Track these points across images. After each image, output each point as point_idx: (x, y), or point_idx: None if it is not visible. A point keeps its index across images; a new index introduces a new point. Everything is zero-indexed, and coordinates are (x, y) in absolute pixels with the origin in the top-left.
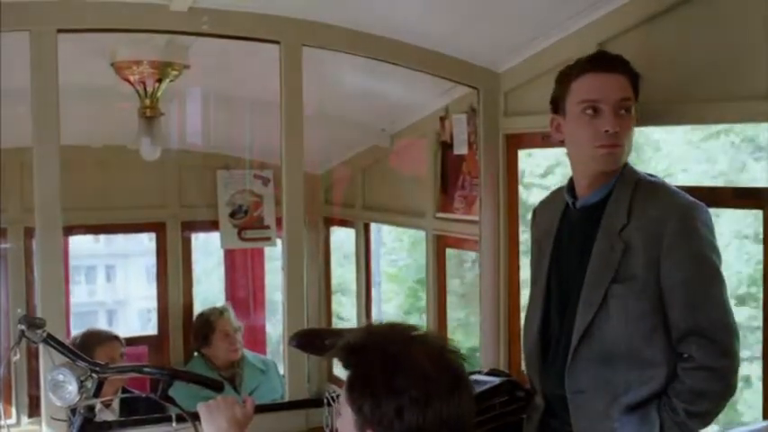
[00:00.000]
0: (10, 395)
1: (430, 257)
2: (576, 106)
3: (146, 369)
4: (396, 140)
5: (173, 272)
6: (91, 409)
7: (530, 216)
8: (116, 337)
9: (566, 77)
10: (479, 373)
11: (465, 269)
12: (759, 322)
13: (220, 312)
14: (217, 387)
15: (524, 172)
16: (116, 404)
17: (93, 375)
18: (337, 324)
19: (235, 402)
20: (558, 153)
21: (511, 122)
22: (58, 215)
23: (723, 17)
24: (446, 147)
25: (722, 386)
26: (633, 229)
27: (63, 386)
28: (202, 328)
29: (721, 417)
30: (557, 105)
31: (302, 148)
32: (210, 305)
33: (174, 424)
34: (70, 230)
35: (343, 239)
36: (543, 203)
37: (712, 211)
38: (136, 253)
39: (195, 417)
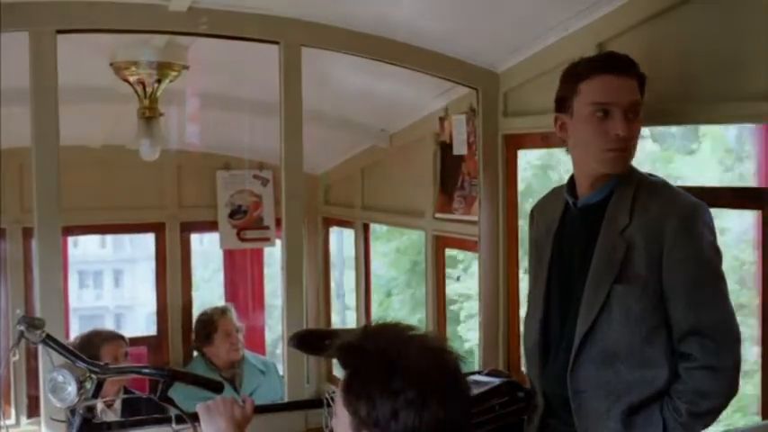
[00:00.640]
0: (9, 396)
1: (429, 258)
2: (585, 107)
3: (145, 370)
4: (395, 141)
5: (172, 272)
6: (90, 409)
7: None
8: (120, 336)
9: (574, 76)
10: (479, 373)
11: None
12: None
13: (223, 312)
14: (216, 388)
15: None
16: (118, 404)
17: (93, 376)
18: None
19: (234, 403)
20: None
21: (510, 123)
22: (57, 215)
23: (722, 17)
24: (445, 147)
25: (724, 386)
26: (635, 228)
27: (62, 387)
28: (205, 327)
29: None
30: (562, 104)
31: (301, 148)
32: (209, 305)
33: (173, 425)
34: (69, 231)
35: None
36: (541, 203)
37: (712, 211)
38: (143, 258)
39: (195, 417)
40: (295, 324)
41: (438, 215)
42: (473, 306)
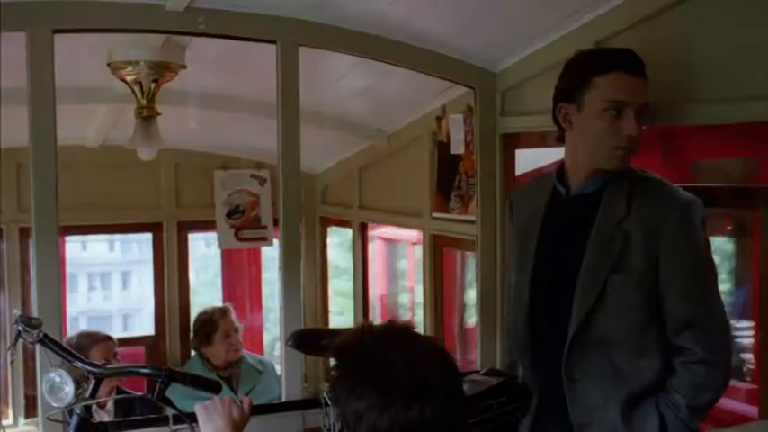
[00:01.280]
0: (7, 396)
1: (427, 257)
2: (598, 102)
3: (143, 370)
4: (392, 140)
5: (169, 272)
6: (87, 409)
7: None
8: (109, 338)
9: (587, 68)
10: (477, 373)
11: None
12: None
13: (223, 312)
14: (214, 388)
15: None
16: (111, 405)
17: (90, 376)
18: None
19: (232, 403)
20: None
21: (508, 122)
22: (55, 215)
23: (721, 17)
24: (443, 147)
25: (721, 378)
26: (633, 220)
27: (59, 387)
28: (204, 327)
29: None
30: (569, 94)
31: (299, 147)
32: (207, 305)
33: (171, 425)
34: (66, 231)
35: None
36: (523, 191)
37: (711, 210)
38: (150, 260)
39: (192, 418)
40: (293, 324)
41: (435, 215)
42: None
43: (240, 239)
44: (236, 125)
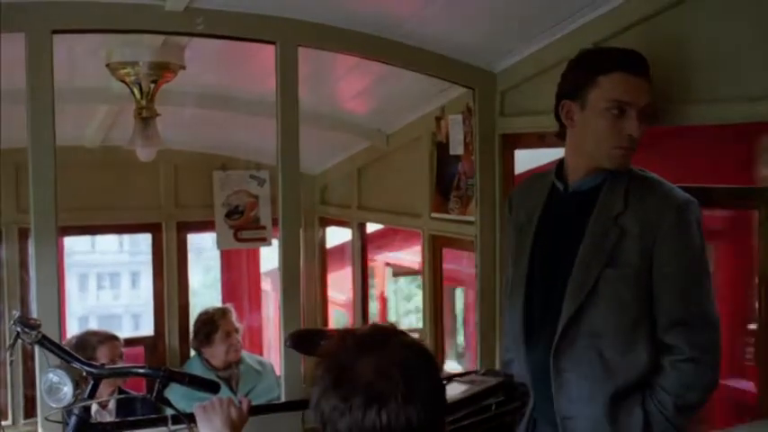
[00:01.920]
0: (6, 396)
1: (426, 258)
2: (602, 102)
3: (141, 370)
4: (392, 141)
5: (168, 272)
6: (86, 410)
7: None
8: (116, 337)
9: (593, 67)
10: (476, 373)
11: None
12: None
13: (223, 312)
14: (213, 388)
15: None
16: (112, 405)
17: (88, 377)
18: None
19: (230, 403)
20: None
21: (507, 122)
22: (54, 216)
23: (720, 17)
24: (442, 147)
25: (709, 378)
26: (630, 216)
27: (57, 387)
28: (204, 327)
29: None
30: (573, 91)
31: (298, 148)
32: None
33: (170, 425)
34: (66, 231)
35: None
36: (522, 188)
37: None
38: None
39: (191, 418)
40: (292, 324)
41: (434, 215)
42: None
43: (239, 240)
44: (235, 126)
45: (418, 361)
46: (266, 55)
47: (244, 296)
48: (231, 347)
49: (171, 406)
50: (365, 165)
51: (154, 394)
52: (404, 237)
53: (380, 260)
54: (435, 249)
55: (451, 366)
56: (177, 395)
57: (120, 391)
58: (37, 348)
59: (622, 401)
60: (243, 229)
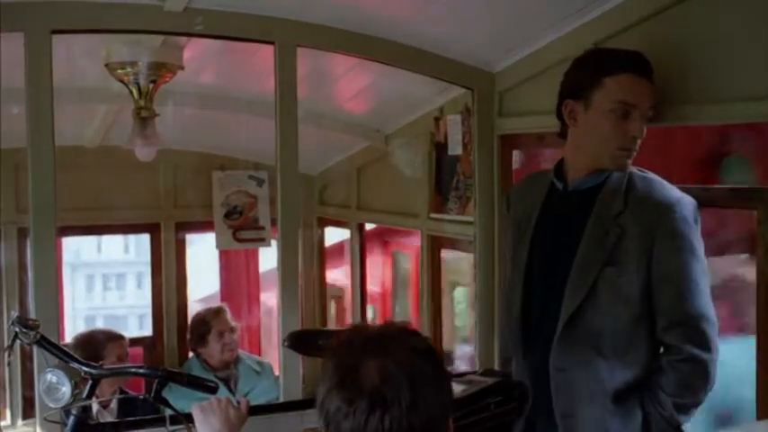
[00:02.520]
0: (5, 396)
1: (425, 258)
2: (607, 103)
3: (140, 370)
4: (390, 141)
5: (167, 272)
6: (85, 410)
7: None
8: (122, 336)
9: (598, 67)
10: (474, 373)
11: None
12: None
13: (216, 312)
14: (211, 389)
15: None
16: (114, 405)
17: (87, 377)
18: None
19: (229, 403)
20: None
21: (505, 123)
22: (52, 216)
23: (720, 16)
24: (441, 147)
25: (707, 378)
26: (630, 216)
27: (56, 387)
28: (198, 328)
29: None
30: (577, 91)
31: (297, 148)
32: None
33: (168, 425)
34: (64, 231)
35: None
36: (521, 187)
37: (709, 211)
38: None
39: (189, 418)
40: (290, 324)
41: (433, 215)
42: None
43: (238, 240)
44: (234, 126)
45: (426, 366)
46: (265, 55)
47: (243, 296)
48: (225, 347)
49: (169, 406)
50: (364, 165)
51: (152, 394)
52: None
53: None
54: (434, 249)
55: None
56: (176, 395)
57: (121, 392)
58: (35, 349)
59: (622, 400)
60: (242, 229)
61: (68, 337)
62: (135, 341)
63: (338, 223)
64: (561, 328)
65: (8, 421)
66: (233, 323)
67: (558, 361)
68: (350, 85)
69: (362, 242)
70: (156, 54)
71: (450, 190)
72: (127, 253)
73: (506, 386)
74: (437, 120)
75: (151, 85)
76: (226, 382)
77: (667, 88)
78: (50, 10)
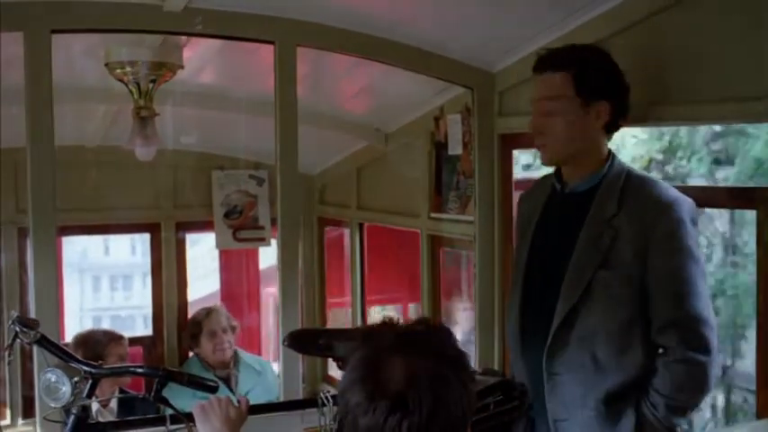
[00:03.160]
0: (5, 396)
1: (425, 258)
2: None
3: (140, 370)
4: (390, 140)
5: (167, 272)
6: (84, 409)
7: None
8: (123, 337)
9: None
10: (474, 373)
11: None
12: None
13: (208, 313)
14: (211, 388)
15: None
16: (114, 404)
17: (87, 376)
18: None
19: (229, 403)
20: None
21: (505, 122)
22: (52, 215)
23: (720, 17)
24: (441, 147)
25: (702, 380)
26: (623, 218)
27: (56, 387)
28: (191, 329)
29: None
30: None
31: (297, 148)
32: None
33: (168, 425)
34: (64, 231)
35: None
36: (529, 190)
37: (707, 211)
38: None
39: (190, 417)
40: (290, 324)
41: (433, 215)
42: None
43: (238, 240)
44: (234, 125)
45: (452, 373)
46: (265, 54)
47: (243, 296)
48: (217, 347)
49: (169, 405)
50: (364, 164)
51: (152, 394)
52: None
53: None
54: (434, 249)
55: None
56: (176, 395)
57: (122, 391)
58: (35, 348)
59: (615, 403)
60: (241, 228)
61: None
62: (135, 341)
63: (338, 223)
64: (554, 331)
65: (8, 421)
66: (227, 323)
67: (551, 365)
68: (350, 85)
69: (362, 242)
70: (156, 54)
71: (451, 189)
72: (134, 255)
73: (506, 386)
74: (437, 119)
75: (151, 85)
76: (226, 381)
77: (667, 87)
78: (50, 10)
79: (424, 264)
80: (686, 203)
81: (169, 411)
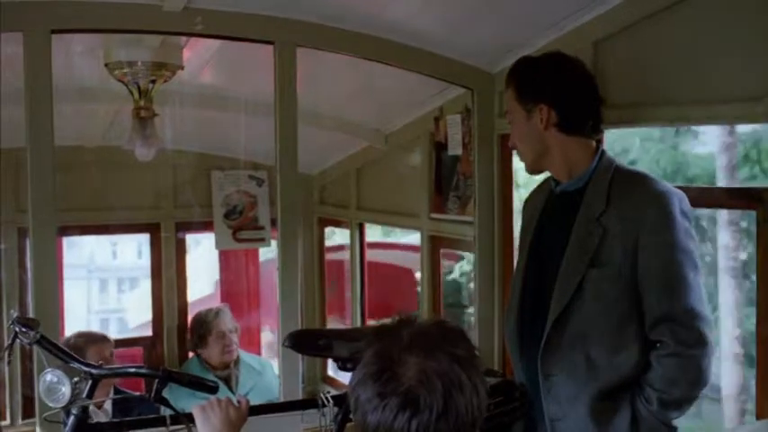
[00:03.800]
0: (4, 396)
1: (424, 258)
2: None
3: (140, 370)
4: (390, 141)
5: (167, 272)
6: (84, 410)
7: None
8: (105, 338)
9: None
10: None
11: None
12: None
13: (216, 313)
14: (211, 389)
15: None
16: (108, 405)
17: (87, 377)
18: None
19: (229, 403)
20: None
21: (505, 123)
22: (52, 215)
23: (719, 17)
24: (440, 147)
25: (695, 374)
26: (611, 214)
27: (56, 387)
28: (198, 329)
29: None
30: None
31: (296, 148)
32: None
33: (168, 425)
34: (64, 231)
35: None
36: (533, 191)
37: (708, 211)
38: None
39: (190, 418)
40: (290, 324)
41: (433, 215)
42: None
43: (238, 240)
44: (233, 126)
45: (465, 376)
46: (265, 55)
47: (243, 296)
48: (225, 348)
49: (169, 406)
50: (364, 165)
51: (152, 394)
52: None
53: None
54: (434, 249)
55: None
56: (176, 395)
57: (117, 391)
58: (35, 348)
59: (609, 401)
60: (241, 229)
61: None
62: (135, 341)
63: (338, 223)
64: (547, 332)
65: (8, 421)
66: (232, 324)
67: (546, 366)
68: (349, 85)
69: (362, 242)
70: (156, 54)
71: (450, 190)
72: (140, 258)
73: (506, 386)
74: (437, 120)
75: (151, 85)
76: (226, 381)
77: (665, 89)
78: (50, 10)
79: (423, 264)
80: (675, 195)
81: (169, 412)
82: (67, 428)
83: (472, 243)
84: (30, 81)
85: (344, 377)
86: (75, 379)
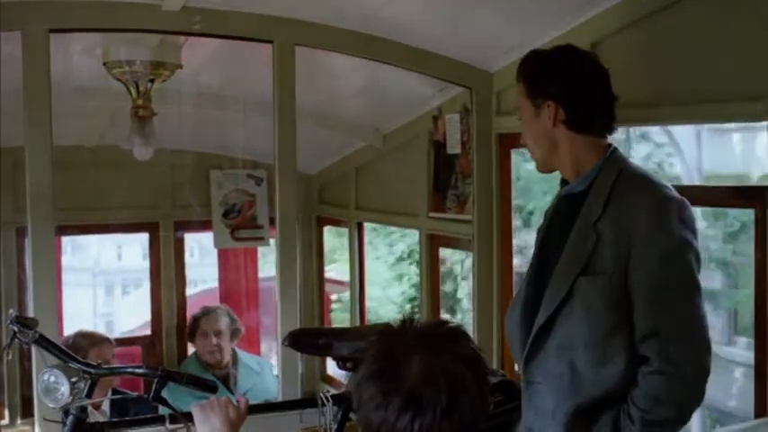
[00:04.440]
0: (3, 396)
1: (423, 257)
2: None
3: (139, 370)
4: (389, 140)
5: (166, 272)
6: (83, 409)
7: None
8: (107, 339)
9: None
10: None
11: None
12: None
13: (205, 313)
14: (210, 388)
15: None
16: (106, 405)
17: (86, 376)
18: None
19: (228, 403)
20: None
21: (504, 122)
22: (51, 215)
23: (719, 17)
24: (439, 146)
25: (681, 393)
26: (607, 220)
27: (54, 387)
28: (191, 325)
29: None
30: None
31: (295, 147)
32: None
33: (167, 425)
34: (62, 230)
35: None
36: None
37: (707, 210)
38: None
39: (189, 417)
40: (289, 323)
41: (432, 214)
42: None
43: (236, 239)
44: (232, 125)
45: (468, 376)
46: (263, 54)
47: (241, 295)
48: (206, 348)
49: (168, 406)
50: (363, 164)
51: (151, 394)
52: None
53: None
54: (432, 248)
55: None
56: (175, 395)
57: (115, 392)
58: (34, 348)
59: (589, 417)
60: (240, 228)
61: None
62: (133, 341)
63: (337, 222)
64: (532, 338)
65: (7, 420)
66: (227, 327)
67: (529, 373)
68: (348, 85)
69: (361, 241)
70: (155, 53)
71: (449, 189)
72: (144, 260)
73: (506, 386)
74: (435, 119)
75: (149, 84)
76: (224, 381)
77: (665, 88)
78: (48, 9)
79: (423, 263)
80: (672, 203)
81: (168, 411)
82: (66, 428)
83: (470, 242)
84: (28, 80)
85: (344, 376)
86: (74, 378)
